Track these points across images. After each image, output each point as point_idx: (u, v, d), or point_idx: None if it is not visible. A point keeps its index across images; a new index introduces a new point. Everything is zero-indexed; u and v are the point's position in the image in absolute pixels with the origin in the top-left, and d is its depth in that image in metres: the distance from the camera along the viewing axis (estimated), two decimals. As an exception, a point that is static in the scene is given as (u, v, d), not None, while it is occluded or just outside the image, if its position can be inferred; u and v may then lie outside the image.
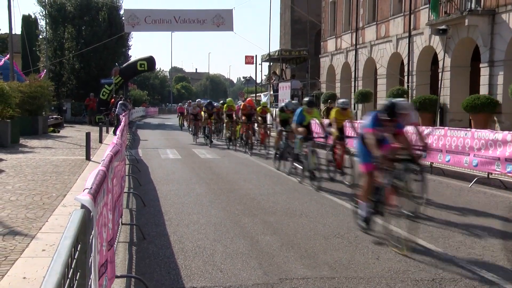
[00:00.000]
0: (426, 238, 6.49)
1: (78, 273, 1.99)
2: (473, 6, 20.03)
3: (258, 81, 45.32)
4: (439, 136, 12.50)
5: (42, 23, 39.28)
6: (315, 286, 4.79)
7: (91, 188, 2.60)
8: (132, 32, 40.03)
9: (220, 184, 10.71)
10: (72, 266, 1.80)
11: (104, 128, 22.11)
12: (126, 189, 9.10)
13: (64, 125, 29.09)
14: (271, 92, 33.63)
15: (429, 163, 12.59)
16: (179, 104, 39.10)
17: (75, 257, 1.92)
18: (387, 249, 5.98)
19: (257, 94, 39.37)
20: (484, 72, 19.57)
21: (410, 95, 24.07)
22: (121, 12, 39.12)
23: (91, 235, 2.50)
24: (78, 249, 2.02)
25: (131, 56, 44.81)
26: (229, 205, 8.54)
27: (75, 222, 1.94)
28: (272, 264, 5.42)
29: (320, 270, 5.23)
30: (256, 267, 5.29)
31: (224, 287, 4.76)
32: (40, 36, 39.50)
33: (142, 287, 4.62)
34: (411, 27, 24.56)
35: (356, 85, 30.34)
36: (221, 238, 6.38)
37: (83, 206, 2.31)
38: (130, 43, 45.00)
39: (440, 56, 21.72)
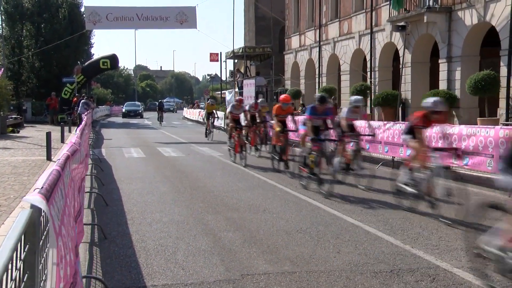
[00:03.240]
0: (385, 231, 6.64)
1: (26, 275, 1.96)
2: (431, 3, 20.50)
3: (223, 78, 45.28)
4: (399, 131, 12.73)
5: (-3, 20, 38.10)
6: (277, 281, 4.84)
7: (42, 187, 2.56)
8: (94, 30, 39.32)
9: (184, 182, 10.66)
10: (18, 267, 1.78)
11: (66, 128, 21.66)
12: (88, 189, 8.97)
13: (24, 125, 28.34)
14: (236, 89, 33.64)
15: (392, 157, 12.83)
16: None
17: (22, 258, 1.90)
18: (348, 243, 6.09)
19: (222, 92, 39.31)
20: (443, 67, 20.08)
21: (372, 91, 24.47)
22: (82, 9, 38.33)
23: (44, 236, 2.47)
24: (26, 250, 1.99)
25: (93, 54, 44.02)
26: (193, 202, 8.52)
27: (21, 223, 1.91)
28: (234, 260, 5.44)
29: (282, 265, 5.28)
30: (218, 264, 5.31)
31: (185, 284, 4.76)
32: (-4, 34, 38.31)
33: (102, 288, 4.57)
34: (373, 24, 24.95)
35: (320, 81, 30.64)
36: (184, 236, 6.37)
37: (32, 207, 2.27)
38: (92, 41, 44.23)
39: (401, 52, 22.16)
